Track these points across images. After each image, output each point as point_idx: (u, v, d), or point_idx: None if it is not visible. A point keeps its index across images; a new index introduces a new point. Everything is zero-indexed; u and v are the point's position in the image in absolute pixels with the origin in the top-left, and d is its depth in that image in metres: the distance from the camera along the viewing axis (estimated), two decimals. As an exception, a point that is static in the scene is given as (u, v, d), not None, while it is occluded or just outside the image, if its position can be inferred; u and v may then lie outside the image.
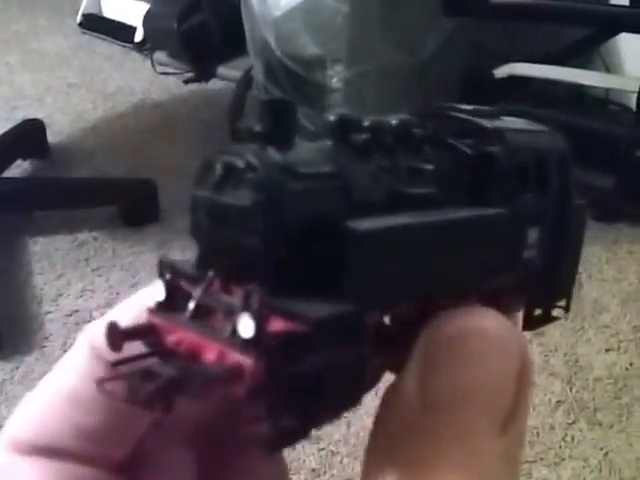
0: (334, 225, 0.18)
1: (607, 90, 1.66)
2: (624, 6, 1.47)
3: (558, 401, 1.04)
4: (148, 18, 1.99)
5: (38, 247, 1.35)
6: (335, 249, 0.17)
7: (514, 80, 1.52)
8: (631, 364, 1.11)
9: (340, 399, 0.17)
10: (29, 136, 1.66)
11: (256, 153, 0.18)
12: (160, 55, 2.08)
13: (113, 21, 2.35)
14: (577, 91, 1.65)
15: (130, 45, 2.25)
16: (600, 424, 1.02)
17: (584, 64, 1.66)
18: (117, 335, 0.18)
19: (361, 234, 0.18)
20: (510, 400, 0.18)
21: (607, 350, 1.14)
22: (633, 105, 1.44)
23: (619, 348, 1.14)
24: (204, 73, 1.95)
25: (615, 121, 1.58)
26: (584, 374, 1.09)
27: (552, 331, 1.17)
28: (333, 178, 0.19)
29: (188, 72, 1.97)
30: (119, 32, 2.29)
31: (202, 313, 0.18)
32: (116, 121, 1.86)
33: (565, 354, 1.13)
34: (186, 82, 1.97)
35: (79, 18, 2.40)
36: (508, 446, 0.18)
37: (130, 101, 1.96)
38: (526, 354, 0.19)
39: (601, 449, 0.98)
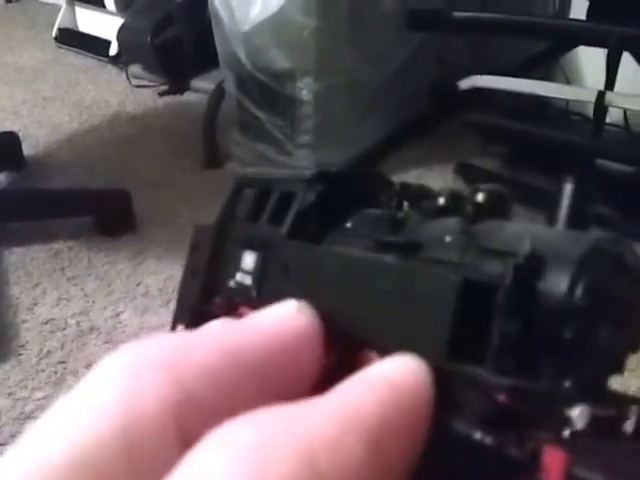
0: None
1: (567, 101, 1.71)
2: (581, 20, 1.53)
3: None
4: (122, 32, 2.02)
5: (14, 257, 1.37)
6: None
7: (478, 92, 1.57)
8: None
9: None
10: (4, 149, 1.68)
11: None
12: (135, 68, 2.11)
13: (88, 35, 2.38)
14: (539, 102, 1.70)
15: (105, 59, 2.28)
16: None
17: (546, 76, 1.72)
18: None
19: None
20: None
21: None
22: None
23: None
24: (178, 86, 1.98)
25: (575, 131, 1.63)
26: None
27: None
28: None
29: (163, 85, 2.01)
30: (94, 46, 2.31)
31: None
32: (92, 133, 1.88)
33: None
34: (161, 94, 2.00)
35: (54, 32, 2.42)
36: None
37: (105, 114, 1.98)
38: None
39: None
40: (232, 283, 0.25)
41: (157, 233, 1.46)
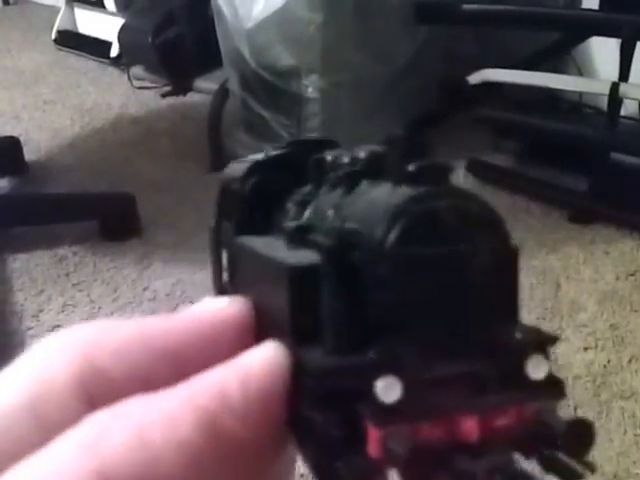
0: None
1: (581, 94, 1.68)
2: (593, 10, 1.50)
3: (539, 400, 1.05)
4: (123, 33, 1.99)
5: (18, 263, 1.35)
6: None
7: (488, 86, 1.54)
8: (609, 361, 1.13)
9: None
10: (6, 154, 1.66)
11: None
12: (137, 69, 2.08)
13: (88, 37, 2.35)
14: (551, 95, 1.67)
15: (106, 60, 2.25)
16: (581, 422, 1.03)
17: (558, 68, 1.69)
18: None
19: None
20: None
21: (585, 349, 1.15)
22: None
23: (597, 346, 1.15)
24: (181, 86, 1.96)
25: (589, 124, 1.61)
26: (563, 373, 1.11)
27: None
28: None
29: (165, 86, 1.98)
30: (95, 47, 2.29)
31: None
32: (94, 137, 1.86)
33: (545, 354, 1.14)
34: (163, 96, 1.97)
35: (54, 34, 2.40)
36: None
37: (107, 116, 1.96)
38: None
39: (582, 446, 0.99)
40: (223, 281, 0.27)
41: (163, 236, 1.44)
